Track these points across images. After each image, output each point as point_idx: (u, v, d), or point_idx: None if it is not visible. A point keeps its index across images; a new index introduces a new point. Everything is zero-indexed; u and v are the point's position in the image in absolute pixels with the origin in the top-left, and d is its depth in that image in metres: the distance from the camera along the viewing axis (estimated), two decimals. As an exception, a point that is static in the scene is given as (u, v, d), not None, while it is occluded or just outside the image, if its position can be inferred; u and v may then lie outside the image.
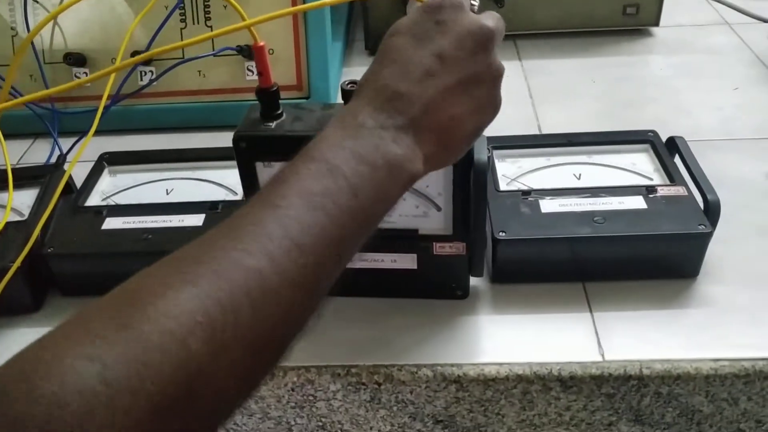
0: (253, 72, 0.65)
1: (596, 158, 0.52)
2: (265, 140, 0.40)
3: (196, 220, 0.48)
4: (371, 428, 0.44)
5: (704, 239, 0.45)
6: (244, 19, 0.38)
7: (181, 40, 0.64)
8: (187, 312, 0.24)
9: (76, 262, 0.47)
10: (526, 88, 0.69)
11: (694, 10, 0.81)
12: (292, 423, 0.44)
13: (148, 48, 0.63)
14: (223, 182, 0.52)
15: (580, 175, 0.51)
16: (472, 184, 0.41)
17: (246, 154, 0.41)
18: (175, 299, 0.24)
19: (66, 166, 0.55)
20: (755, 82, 0.68)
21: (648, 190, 0.48)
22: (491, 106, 0.36)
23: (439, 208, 0.43)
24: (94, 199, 0.52)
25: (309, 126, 0.41)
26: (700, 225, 0.45)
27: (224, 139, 0.57)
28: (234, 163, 0.53)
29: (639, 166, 0.51)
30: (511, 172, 0.52)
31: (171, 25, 0.62)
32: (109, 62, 0.65)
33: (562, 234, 0.45)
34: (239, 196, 0.51)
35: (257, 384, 0.28)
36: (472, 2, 0.39)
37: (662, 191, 0.48)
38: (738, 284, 0.46)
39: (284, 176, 0.30)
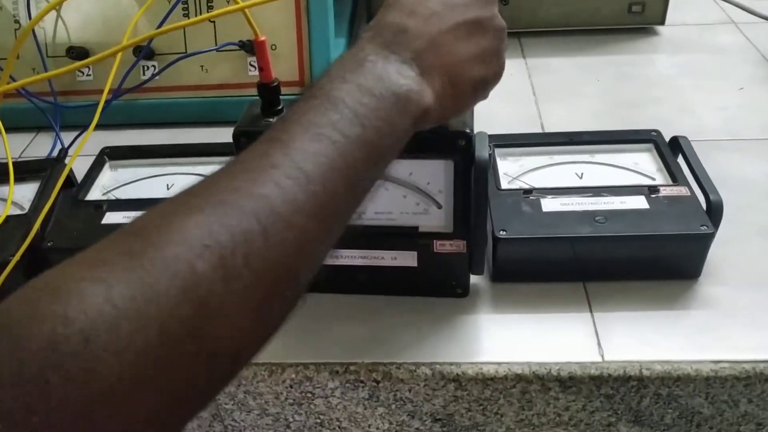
0: (255, 67, 0.65)
1: (599, 157, 0.52)
2: (265, 136, 0.40)
3: (196, 215, 0.47)
4: (369, 426, 0.44)
5: (706, 240, 0.44)
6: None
7: (184, 34, 0.64)
8: (193, 237, 0.23)
9: (75, 256, 0.47)
10: (529, 86, 0.69)
11: (701, 9, 0.81)
12: (290, 420, 0.44)
13: (150, 42, 0.62)
14: (223, 178, 0.52)
15: (582, 174, 0.51)
16: (473, 181, 0.41)
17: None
18: (181, 225, 0.24)
19: (67, 160, 0.55)
20: (761, 82, 0.67)
21: (650, 190, 0.47)
22: (496, 58, 0.37)
23: (439, 206, 0.43)
24: (94, 194, 0.52)
25: (309, 122, 0.40)
26: (702, 226, 0.44)
27: (226, 135, 0.57)
28: (235, 158, 0.54)
29: (642, 165, 0.51)
30: (513, 171, 0.51)
31: (174, 19, 0.62)
32: (112, 56, 0.65)
33: (563, 233, 0.45)
34: (240, 192, 0.50)
35: (274, 324, 0.27)
36: None
37: (665, 191, 0.47)
38: (740, 286, 0.45)
39: (287, 114, 0.30)
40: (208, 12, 0.63)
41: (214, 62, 0.64)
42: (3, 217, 0.48)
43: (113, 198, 0.51)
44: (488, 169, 0.41)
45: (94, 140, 0.54)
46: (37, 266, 0.46)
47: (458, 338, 0.43)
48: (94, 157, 0.55)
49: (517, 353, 0.42)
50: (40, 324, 0.20)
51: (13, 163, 0.52)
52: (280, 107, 0.41)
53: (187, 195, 0.26)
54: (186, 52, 0.63)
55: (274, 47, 0.63)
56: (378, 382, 0.41)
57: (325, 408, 0.43)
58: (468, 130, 0.40)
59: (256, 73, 0.64)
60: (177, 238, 0.23)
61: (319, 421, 0.44)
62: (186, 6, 0.64)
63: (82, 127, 0.60)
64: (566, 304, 0.45)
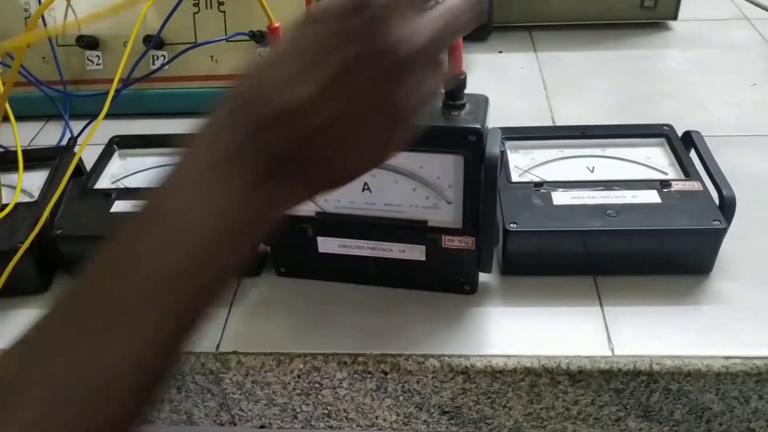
0: (265, 58, 0.64)
1: (610, 151, 0.52)
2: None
3: (205, 204, 0.47)
4: (377, 417, 0.44)
5: (718, 235, 0.44)
6: None
7: (194, 24, 0.64)
8: None
9: (84, 244, 0.46)
10: (540, 80, 0.69)
11: (713, 5, 0.80)
12: (298, 410, 0.44)
13: (159, 32, 0.62)
14: (233, 168, 0.52)
15: (593, 168, 0.50)
16: (482, 178, 0.40)
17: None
18: None
19: (76, 149, 0.55)
20: (774, 78, 0.67)
21: (662, 185, 0.47)
22: (375, 146, 0.28)
23: (449, 201, 0.43)
24: (103, 182, 0.51)
25: (320, 111, 0.40)
26: (714, 221, 0.44)
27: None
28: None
29: (654, 160, 0.51)
30: (524, 164, 0.51)
31: (183, 9, 0.62)
32: (122, 46, 0.65)
33: (574, 227, 0.44)
34: (249, 182, 0.50)
35: None
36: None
37: (677, 186, 0.47)
38: (751, 282, 0.45)
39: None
40: (217, 0, 0.64)
41: (224, 52, 0.64)
42: (12, 204, 0.48)
43: (122, 187, 0.51)
44: (498, 166, 0.40)
45: (103, 129, 0.54)
46: (46, 253, 0.46)
47: (467, 331, 0.43)
48: (103, 146, 0.55)
49: (527, 347, 0.41)
50: None
51: (23, 150, 0.52)
52: (291, 96, 0.41)
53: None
54: (196, 42, 0.63)
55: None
56: (386, 374, 0.41)
57: (332, 399, 0.43)
58: (479, 126, 0.39)
59: (266, 63, 0.65)
60: None
61: (326, 411, 0.44)
62: (196, -5, 0.63)
63: (92, 116, 0.60)
64: (576, 298, 0.44)
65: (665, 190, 0.47)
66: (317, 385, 0.42)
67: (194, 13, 0.64)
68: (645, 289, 0.45)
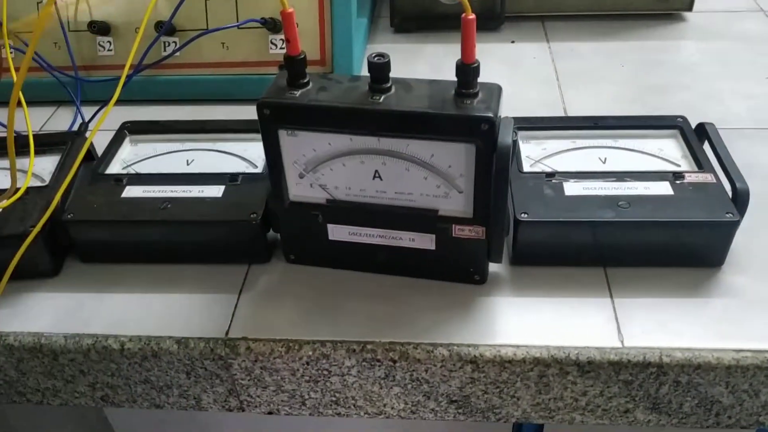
0: (276, 45, 0.64)
1: (622, 142, 0.51)
2: (288, 108, 0.40)
3: (216, 191, 0.47)
4: (384, 405, 0.44)
5: (731, 228, 0.44)
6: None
7: (205, 10, 0.64)
8: None
9: (95, 229, 0.47)
10: (553, 71, 0.68)
11: (729, -4, 0.79)
12: (306, 397, 0.44)
13: (171, 18, 0.62)
14: (243, 155, 0.52)
15: (605, 159, 0.50)
16: (494, 168, 0.40)
17: (269, 121, 0.41)
18: None
19: (88, 134, 0.55)
20: (789, 71, 0.66)
21: (675, 176, 0.47)
22: None
23: (460, 190, 0.42)
24: (114, 167, 0.52)
25: (334, 96, 0.40)
26: (727, 213, 0.44)
27: (246, 113, 0.57)
28: (255, 136, 0.53)
29: (666, 151, 0.50)
30: (535, 154, 0.51)
31: (195, -5, 0.62)
32: (133, 31, 0.65)
33: (586, 217, 0.44)
34: (260, 169, 0.50)
35: None
36: None
37: (690, 178, 0.47)
38: (764, 276, 0.44)
39: None
40: (230, -12, 0.63)
41: (236, 39, 0.64)
42: (24, 188, 0.48)
43: (133, 172, 0.51)
44: (511, 156, 0.40)
45: (114, 115, 0.54)
46: (57, 238, 0.47)
47: (476, 321, 0.43)
48: (114, 132, 0.55)
49: (536, 337, 0.41)
50: None
51: (34, 135, 0.52)
52: (305, 80, 0.41)
53: None
54: (207, 29, 0.63)
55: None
56: (395, 362, 0.41)
57: (341, 386, 0.43)
58: (491, 115, 0.39)
59: (278, 51, 0.65)
60: None
61: (334, 399, 0.44)
62: (208, -18, 0.63)
63: (103, 102, 0.60)
64: (586, 289, 0.44)
65: (678, 181, 0.46)
66: (326, 372, 0.42)
67: (206, 0, 0.64)
68: (656, 281, 0.44)
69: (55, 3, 0.63)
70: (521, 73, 0.68)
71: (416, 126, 0.40)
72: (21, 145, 0.52)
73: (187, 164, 0.52)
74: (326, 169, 0.43)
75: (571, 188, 0.46)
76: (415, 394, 0.43)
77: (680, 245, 0.45)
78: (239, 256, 0.47)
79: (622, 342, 0.41)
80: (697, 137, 0.50)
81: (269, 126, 0.41)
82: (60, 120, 0.65)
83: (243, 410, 0.45)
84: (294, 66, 0.40)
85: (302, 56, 0.40)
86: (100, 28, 0.65)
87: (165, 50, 0.65)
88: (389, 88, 0.40)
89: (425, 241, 0.44)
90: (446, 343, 0.41)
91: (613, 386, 0.41)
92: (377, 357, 0.41)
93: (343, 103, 0.40)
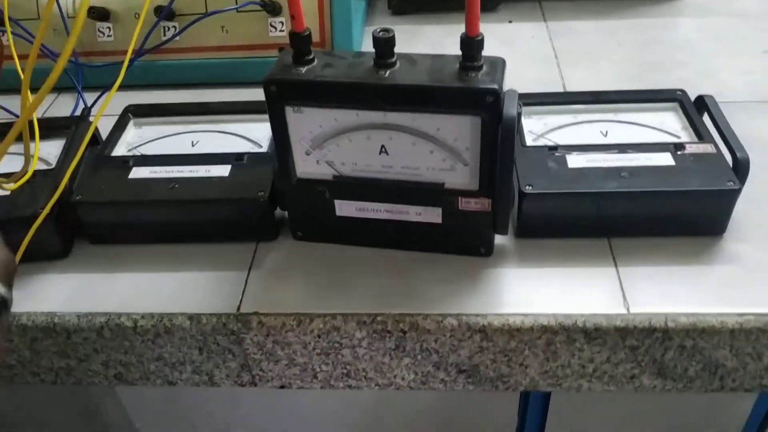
0: (276, 28, 0.65)
1: (623, 116, 0.52)
2: (294, 85, 0.40)
3: (223, 170, 0.48)
4: (395, 377, 0.45)
5: (732, 196, 0.44)
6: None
7: (205, -6, 0.64)
8: None
9: (104, 209, 0.47)
10: (551, 49, 0.69)
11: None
12: (318, 370, 0.45)
13: (171, 3, 0.62)
14: (248, 135, 0.52)
15: (606, 132, 0.51)
16: (500, 140, 0.41)
17: (276, 98, 0.41)
18: None
19: (92, 118, 0.55)
20: (785, 46, 0.66)
21: (676, 147, 0.47)
22: None
23: (466, 163, 0.43)
24: (120, 150, 0.52)
25: (339, 72, 0.40)
26: (729, 182, 0.44)
27: (247, 96, 0.57)
28: (259, 116, 0.54)
29: (667, 124, 0.51)
30: (538, 129, 0.51)
31: (195, -21, 0.62)
32: (132, 17, 0.65)
33: (589, 188, 0.45)
34: (264, 149, 0.51)
35: None
36: None
37: (690, 148, 0.47)
38: (765, 243, 0.45)
39: None
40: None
41: (235, 22, 0.64)
42: (31, 171, 0.48)
43: (138, 154, 0.51)
44: (516, 127, 0.40)
45: (115, 101, 0.53)
46: (66, 219, 0.47)
47: (484, 292, 0.43)
48: (117, 117, 0.55)
49: (543, 306, 0.42)
50: None
51: (38, 120, 0.52)
52: (310, 56, 0.41)
53: None
54: (206, 12, 0.63)
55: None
56: (405, 333, 0.42)
57: (351, 358, 0.44)
58: (496, 87, 0.39)
59: (278, 33, 0.66)
60: None
61: (345, 371, 0.44)
62: (207, -34, 0.63)
63: (104, 88, 0.61)
64: (591, 259, 0.45)
65: (679, 152, 0.47)
66: (337, 345, 0.43)
67: (206, -16, 0.64)
68: (659, 249, 0.45)
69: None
70: (519, 52, 0.69)
71: (422, 99, 0.40)
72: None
73: (192, 146, 0.52)
74: (332, 145, 0.43)
75: (574, 161, 0.47)
76: (425, 364, 0.44)
77: (682, 214, 0.45)
78: (247, 235, 0.48)
79: (627, 309, 0.41)
80: (697, 110, 0.51)
81: (276, 103, 0.42)
82: (60, 107, 0.65)
83: (255, 385, 0.46)
84: (299, 43, 0.41)
85: (307, 32, 0.40)
86: (99, 13, 0.65)
87: (164, 35, 0.65)
88: (394, 63, 0.41)
89: (432, 215, 0.45)
90: (455, 313, 0.42)
91: (620, 352, 0.42)
92: (387, 328, 0.42)
93: (349, 78, 0.40)
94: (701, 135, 0.49)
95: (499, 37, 0.70)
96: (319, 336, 0.42)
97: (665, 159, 0.47)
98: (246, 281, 0.45)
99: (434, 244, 0.46)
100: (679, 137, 0.50)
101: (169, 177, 0.48)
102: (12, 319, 0.43)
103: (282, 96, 0.41)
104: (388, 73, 0.40)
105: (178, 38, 0.64)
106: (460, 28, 0.38)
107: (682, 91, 0.53)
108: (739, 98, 0.59)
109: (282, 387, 0.46)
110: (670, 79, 0.63)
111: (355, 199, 0.45)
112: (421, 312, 0.42)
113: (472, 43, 0.39)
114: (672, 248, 0.45)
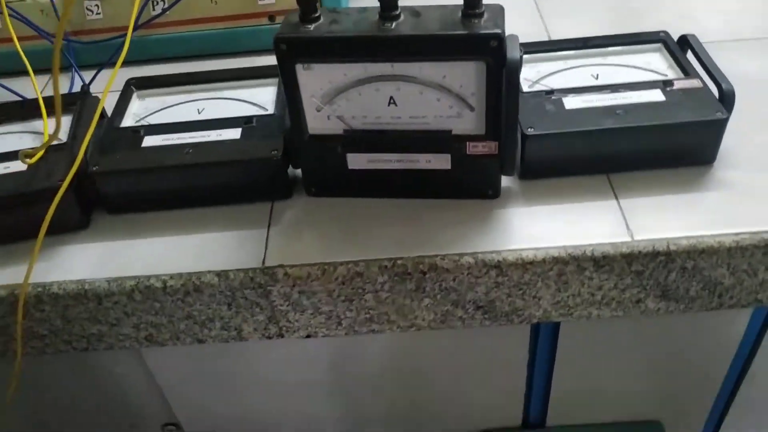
0: (265, -4, 0.65)
1: (611, 59, 0.54)
2: (303, 42, 0.42)
3: (234, 133, 0.49)
4: (416, 318, 0.47)
5: (721, 125, 0.47)
6: None
7: (193, -35, 0.64)
8: None
9: (122, 178, 0.48)
10: (532, 2, 0.70)
11: None
12: (342, 317, 0.47)
13: (159, -25, 0.63)
14: (253, 100, 0.54)
15: (597, 75, 0.53)
16: (504, 82, 0.43)
17: (286, 56, 0.43)
18: None
19: (95, 94, 0.56)
20: (756, -14, 0.69)
21: (665, 84, 0.50)
22: None
23: (472, 108, 0.45)
24: (128, 121, 0.53)
25: (346, 27, 0.42)
26: (717, 112, 0.47)
27: (241, 65, 0.58)
28: (262, 81, 0.55)
29: (654, 64, 0.53)
30: (531, 76, 0.53)
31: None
32: (121, -7, 0.65)
33: (587, 127, 0.47)
34: (271, 111, 0.52)
35: None
36: None
37: (679, 84, 0.50)
38: (753, 168, 0.48)
39: None
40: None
41: (224, -7, 0.65)
42: (44, 147, 0.49)
43: (147, 124, 0.52)
44: (519, 69, 0.42)
45: (107, 77, 0.54)
46: (84, 190, 0.48)
47: (496, 230, 0.45)
48: (119, 92, 0.56)
49: (553, 240, 0.44)
50: None
51: (43, 98, 0.53)
52: (317, 14, 0.42)
53: None
54: (195, -16, 0.64)
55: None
56: (425, 273, 0.44)
57: (374, 303, 0.46)
58: (500, 31, 0.41)
59: (267, 2, 0.66)
60: None
61: (368, 316, 0.47)
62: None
63: (96, 66, 0.62)
64: (593, 194, 0.47)
65: (668, 89, 0.49)
66: (360, 290, 0.45)
67: (193, -44, 0.64)
68: (655, 181, 0.48)
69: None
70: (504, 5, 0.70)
71: (428, 49, 0.42)
72: (32, 108, 0.53)
73: (198, 113, 0.53)
74: (342, 100, 0.45)
75: (571, 102, 0.49)
76: (444, 303, 0.46)
77: (676, 146, 0.48)
78: (262, 195, 0.49)
79: (632, 236, 0.44)
80: (681, 48, 0.54)
81: (286, 62, 0.43)
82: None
83: (282, 336, 0.48)
84: (305, 1, 0.42)
85: (313, -11, 0.41)
86: (87, -9, 0.65)
87: (154, 10, 0.65)
88: (399, 15, 0.42)
89: (441, 161, 0.47)
90: (471, 252, 0.44)
91: (626, 278, 0.45)
92: (408, 270, 0.44)
93: (356, 32, 0.42)
94: (687, 71, 0.51)
95: (482, -6, 0.72)
96: (343, 283, 0.44)
97: (656, 95, 0.49)
98: (267, 237, 0.47)
99: (444, 190, 0.48)
100: (666, 75, 0.52)
101: (182, 143, 0.49)
102: (42, 289, 0.45)
103: (292, 54, 0.43)
104: (393, 25, 0.42)
105: (168, 12, 0.65)
106: (462, -22, 0.40)
107: (665, 32, 0.55)
108: (717, 38, 0.62)
109: (308, 336, 0.48)
110: (650, 24, 0.65)
111: (366, 151, 0.47)
112: (439, 253, 0.44)
113: (473, -9, 0.41)
114: (668, 178, 0.48)
